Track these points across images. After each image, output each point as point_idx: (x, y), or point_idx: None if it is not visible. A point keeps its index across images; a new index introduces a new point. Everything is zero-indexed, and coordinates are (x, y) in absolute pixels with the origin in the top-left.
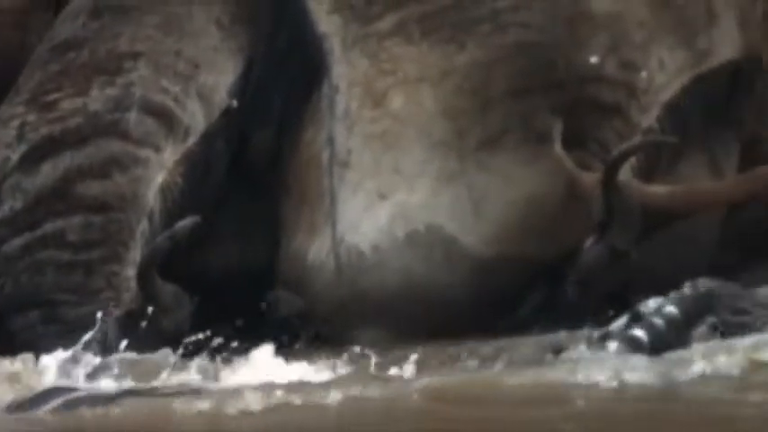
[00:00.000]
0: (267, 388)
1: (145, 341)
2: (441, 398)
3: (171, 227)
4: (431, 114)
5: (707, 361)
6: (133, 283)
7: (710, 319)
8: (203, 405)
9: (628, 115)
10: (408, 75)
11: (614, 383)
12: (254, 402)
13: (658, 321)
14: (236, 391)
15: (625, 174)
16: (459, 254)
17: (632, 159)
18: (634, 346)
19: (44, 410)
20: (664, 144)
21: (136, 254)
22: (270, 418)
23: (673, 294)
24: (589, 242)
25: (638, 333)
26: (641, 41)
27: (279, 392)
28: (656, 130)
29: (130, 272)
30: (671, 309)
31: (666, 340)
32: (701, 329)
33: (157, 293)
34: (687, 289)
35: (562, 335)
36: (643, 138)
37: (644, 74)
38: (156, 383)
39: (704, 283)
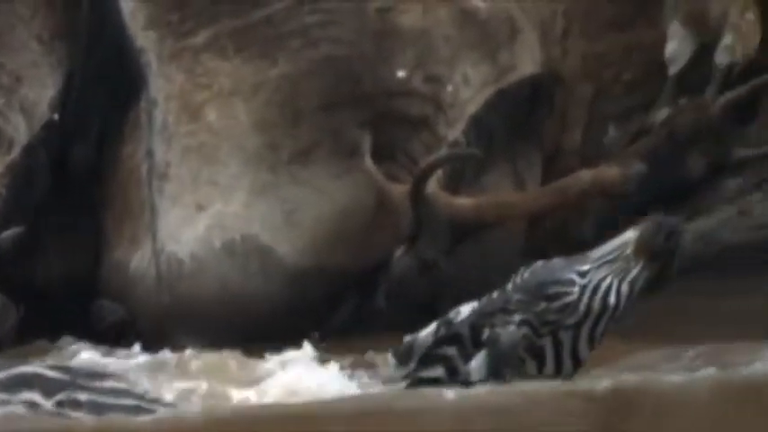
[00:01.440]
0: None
1: None
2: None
3: None
4: (244, 128)
5: None
6: None
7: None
8: None
9: (435, 128)
10: (223, 88)
11: None
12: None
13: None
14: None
15: (433, 186)
16: (273, 263)
17: (439, 171)
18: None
19: None
20: (469, 157)
21: None
22: None
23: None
24: (399, 253)
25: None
26: (447, 56)
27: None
28: (462, 143)
29: None
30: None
31: None
32: None
33: None
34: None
35: None
36: (449, 150)
37: (450, 88)
38: None
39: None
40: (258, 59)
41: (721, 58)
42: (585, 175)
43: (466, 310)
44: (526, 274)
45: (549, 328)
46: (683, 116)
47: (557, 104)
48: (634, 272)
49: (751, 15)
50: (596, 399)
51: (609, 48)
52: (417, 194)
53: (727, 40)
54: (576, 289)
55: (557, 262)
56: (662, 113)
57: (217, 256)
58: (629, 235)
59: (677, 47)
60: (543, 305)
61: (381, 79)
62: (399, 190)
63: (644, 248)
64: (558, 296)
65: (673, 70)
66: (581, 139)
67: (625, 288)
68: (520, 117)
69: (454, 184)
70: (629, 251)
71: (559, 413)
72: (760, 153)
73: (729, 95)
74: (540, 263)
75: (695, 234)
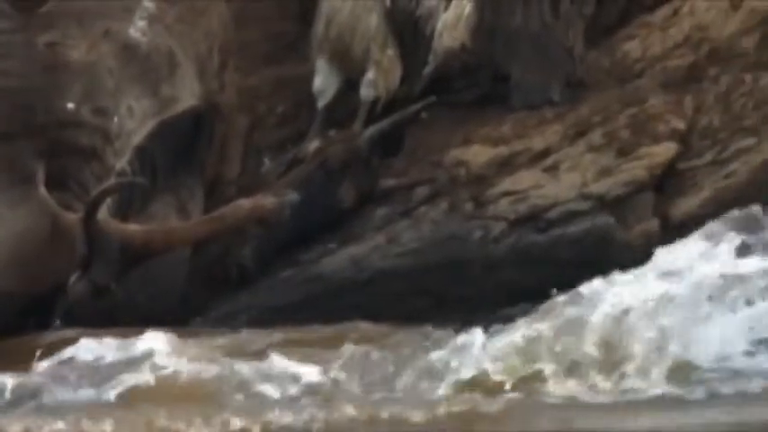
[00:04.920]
0: None
1: None
2: None
3: None
4: None
5: None
6: None
7: None
8: None
9: (104, 158)
10: None
11: None
12: None
13: None
14: None
15: (104, 213)
16: None
17: (110, 200)
18: None
19: None
20: (135, 185)
21: None
22: None
23: None
24: (74, 277)
25: None
26: (112, 89)
27: None
28: (128, 173)
29: None
30: None
31: None
32: None
33: None
34: None
35: None
36: (117, 180)
37: (116, 119)
38: None
39: None
40: None
41: (365, 92)
42: (244, 204)
43: None
44: None
45: None
46: (332, 148)
47: (216, 136)
48: None
49: (391, 52)
50: None
51: (262, 82)
52: (89, 222)
53: (370, 75)
54: None
55: None
56: (313, 145)
57: None
58: None
59: (323, 81)
60: None
61: (53, 111)
62: (73, 217)
63: None
64: None
65: (321, 104)
66: (239, 169)
67: None
68: (182, 148)
69: (123, 213)
70: None
71: None
72: (406, 183)
73: (374, 128)
74: None
75: (349, 259)
